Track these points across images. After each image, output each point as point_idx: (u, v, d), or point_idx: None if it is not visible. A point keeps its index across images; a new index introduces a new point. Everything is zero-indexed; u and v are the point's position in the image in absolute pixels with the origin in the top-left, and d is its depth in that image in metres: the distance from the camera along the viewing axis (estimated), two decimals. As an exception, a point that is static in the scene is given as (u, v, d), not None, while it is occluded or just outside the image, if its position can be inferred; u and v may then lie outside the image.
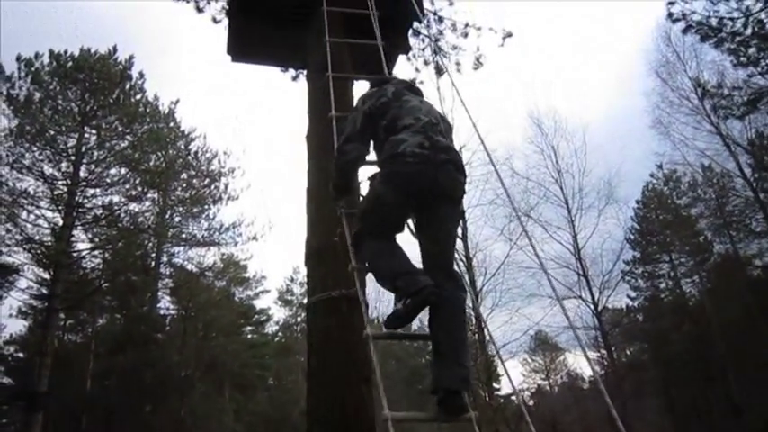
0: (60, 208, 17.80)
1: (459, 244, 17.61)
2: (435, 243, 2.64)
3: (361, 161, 2.97)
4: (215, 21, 8.34)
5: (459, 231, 17.71)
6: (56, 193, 17.79)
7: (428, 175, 2.47)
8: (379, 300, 24.27)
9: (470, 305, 18.17)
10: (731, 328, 21.97)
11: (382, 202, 2.63)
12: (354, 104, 3.12)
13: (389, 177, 2.59)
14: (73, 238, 18.61)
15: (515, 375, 34.94)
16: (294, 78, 8.16)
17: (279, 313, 32.58)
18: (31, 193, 17.40)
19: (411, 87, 3.08)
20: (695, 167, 25.03)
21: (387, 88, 2.96)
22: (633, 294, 28.47)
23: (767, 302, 20.48)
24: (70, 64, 18.15)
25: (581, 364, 36.67)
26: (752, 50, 13.12)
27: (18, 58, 17.35)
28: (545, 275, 18.16)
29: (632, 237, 27.31)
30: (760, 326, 20.42)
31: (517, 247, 18.09)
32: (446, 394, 2.31)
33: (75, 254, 18.69)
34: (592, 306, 19.76)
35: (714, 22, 12.52)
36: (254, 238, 20.26)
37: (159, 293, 23.73)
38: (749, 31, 12.54)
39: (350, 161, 2.93)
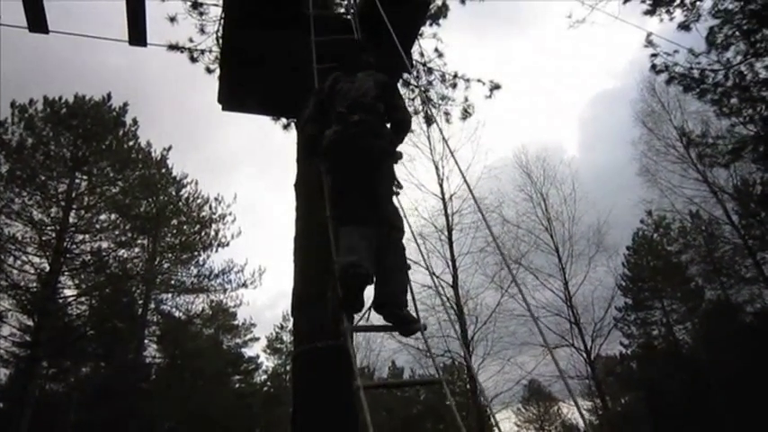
0: (48, 254, 17.62)
1: (449, 291, 17.53)
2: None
3: (318, 137, 3.37)
4: (209, 71, 8.52)
5: (450, 279, 17.66)
6: (44, 238, 17.65)
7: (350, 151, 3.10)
8: (369, 349, 23.97)
9: (461, 354, 18.01)
10: (726, 375, 21.74)
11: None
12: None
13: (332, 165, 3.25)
14: (59, 285, 18.35)
15: (509, 426, 34.18)
16: (285, 127, 8.27)
17: (268, 362, 31.98)
18: (19, 238, 17.27)
19: (354, 64, 3.65)
20: (683, 214, 25.30)
21: (329, 78, 3.54)
22: (626, 342, 28.30)
23: (760, 349, 20.34)
24: (64, 110, 18.33)
25: (576, 413, 36.01)
26: (734, 101, 13.45)
27: (12, 104, 17.53)
28: (536, 324, 18.00)
29: (624, 283, 27.30)
30: (755, 373, 20.21)
31: (508, 295, 18.02)
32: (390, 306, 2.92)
33: (60, 300, 18.39)
34: (584, 354, 19.54)
35: (696, 73, 12.86)
36: (244, 284, 20.11)
37: (145, 341, 23.25)
38: (730, 83, 12.88)
39: (309, 137, 3.50)
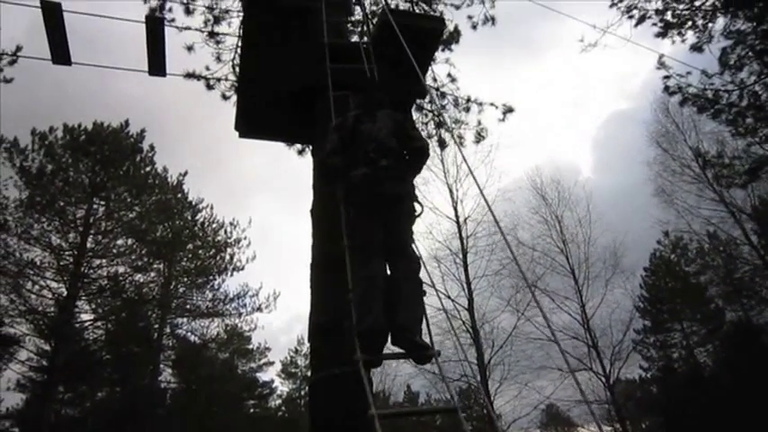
0: (65, 278, 17.81)
1: (465, 315, 17.40)
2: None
3: (341, 169, 3.51)
4: (224, 97, 8.67)
5: (465, 302, 17.53)
6: (62, 263, 17.85)
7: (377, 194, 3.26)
8: (385, 374, 23.77)
9: (475, 377, 17.78)
10: (748, 399, 21.20)
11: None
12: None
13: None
14: (76, 309, 18.50)
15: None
16: (300, 152, 8.35)
17: (282, 386, 31.78)
18: (37, 263, 17.48)
19: (372, 103, 3.74)
20: (701, 235, 24.96)
21: (350, 116, 3.66)
22: (646, 365, 27.70)
23: (784, 373, 19.84)
24: (83, 137, 18.67)
25: (596, 439, 35.21)
26: (749, 120, 13.34)
27: (33, 132, 17.90)
28: (555, 347, 17.81)
29: (642, 305, 26.87)
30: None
31: (524, 318, 17.86)
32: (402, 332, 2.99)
33: (77, 325, 18.52)
34: (603, 378, 19.21)
35: (710, 94, 12.80)
36: (259, 308, 20.14)
37: (161, 366, 23.28)
38: (745, 103, 12.79)
39: (331, 168, 3.58)
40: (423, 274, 3.39)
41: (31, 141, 17.80)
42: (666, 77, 12.67)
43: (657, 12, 12.19)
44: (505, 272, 17.87)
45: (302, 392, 29.89)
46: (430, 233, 18.43)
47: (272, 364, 29.61)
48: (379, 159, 3.33)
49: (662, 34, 12.30)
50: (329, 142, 3.71)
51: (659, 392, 27.92)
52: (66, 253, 18.02)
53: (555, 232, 21.61)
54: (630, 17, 12.02)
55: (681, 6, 12.29)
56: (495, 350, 17.72)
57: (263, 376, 29.59)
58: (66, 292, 17.60)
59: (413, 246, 3.46)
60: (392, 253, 3.31)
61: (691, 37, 12.30)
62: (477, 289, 18.05)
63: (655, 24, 12.23)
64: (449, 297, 17.25)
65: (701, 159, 20.21)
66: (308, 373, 4.77)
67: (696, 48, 12.22)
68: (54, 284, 17.85)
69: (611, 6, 12.04)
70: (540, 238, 21.57)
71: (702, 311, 26.02)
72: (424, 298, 3.32)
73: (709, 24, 12.34)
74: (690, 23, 12.30)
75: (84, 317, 19.08)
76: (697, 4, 12.28)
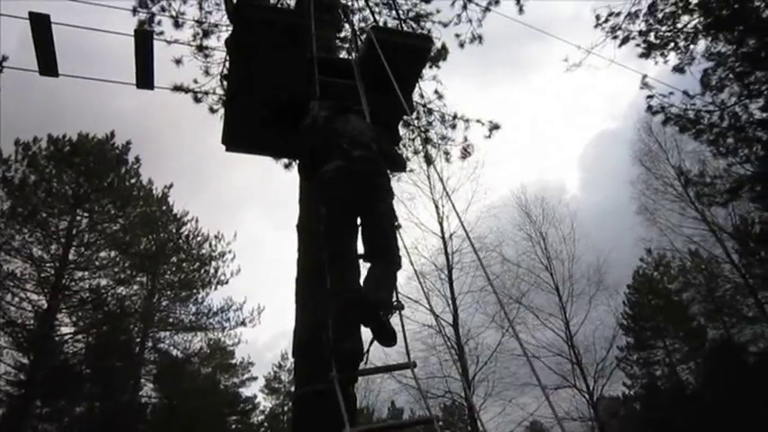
0: (46, 290, 17.55)
1: (449, 331, 17.40)
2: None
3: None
4: (212, 110, 8.68)
5: (450, 318, 17.55)
6: (43, 275, 17.60)
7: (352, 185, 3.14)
8: (368, 390, 23.62)
9: (462, 394, 17.75)
10: (730, 416, 21.34)
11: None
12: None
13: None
14: (56, 322, 18.21)
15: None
16: (287, 166, 8.36)
17: (266, 402, 31.40)
18: (18, 274, 17.23)
19: (342, 106, 3.71)
20: (683, 253, 25.28)
21: (320, 115, 3.60)
22: (629, 382, 27.82)
23: (765, 389, 20.02)
24: (67, 148, 18.52)
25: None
26: (730, 141, 13.60)
27: (16, 142, 17.72)
28: (539, 363, 17.84)
29: (625, 322, 27.05)
30: (760, 414, 19.85)
31: (509, 335, 17.88)
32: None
33: (57, 338, 18.22)
34: (587, 395, 19.25)
35: (692, 114, 13.05)
36: (243, 323, 19.97)
37: (142, 380, 22.92)
38: (726, 123, 13.05)
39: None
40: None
41: (15, 151, 17.65)
42: (650, 97, 12.92)
43: (641, 33, 12.44)
44: (490, 288, 17.91)
45: (285, 408, 29.56)
46: (416, 248, 18.45)
47: (255, 379, 29.26)
48: (354, 150, 3.21)
49: (645, 55, 12.54)
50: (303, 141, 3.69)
51: (642, 410, 28.01)
52: (48, 265, 17.79)
53: (539, 249, 21.80)
54: (615, 38, 12.25)
55: (663, 28, 12.56)
56: (480, 366, 17.72)
57: (246, 392, 29.19)
58: (46, 305, 17.34)
59: (395, 246, 3.28)
60: (374, 256, 3.19)
61: (673, 58, 12.58)
62: (462, 305, 18.10)
63: (638, 45, 12.48)
64: (433, 313, 17.23)
65: (683, 178, 20.55)
66: (292, 389, 4.74)
67: (678, 69, 12.50)
68: (34, 296, 17.62)
69: (595, 26, 12.26)
70: (524, 254, 21.73)
71: (685, 329, 26.25)
72: (404, 312, 3.27)
73: (691, 46, 12.64)
74: (672, 45, 12.57)
75: (65, 330, 18.82)
76: (679, 26, 12.56)
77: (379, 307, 2.98)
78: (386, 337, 3.00)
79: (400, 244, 3.43)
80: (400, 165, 3.73)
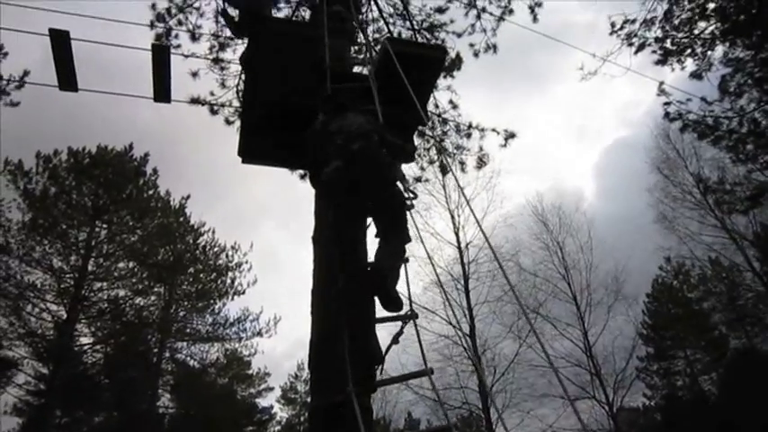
0: (66, 301, 17.75)
1: (467, 342, 17.27)
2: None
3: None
4: (228, 122, 8.76)
5: (467, 328, 17.41)
6: (62, 286, 17.81)
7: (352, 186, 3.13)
8: (385, 400, 23.51)
9: (479, 406, 17.57)
10: (754, 427, 20.90)
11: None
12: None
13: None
14: (75, 332, 18.40)
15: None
16: (302, 177, 8.39)
17: (282, 412, 31.37)
18: (38, 285, 17.46)
19: (336, 104, 3.70)
20: (703, 261, 24.90)
21: (316, 122, 3.65)
22: (649, 393, 27.38)
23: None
24: (87, 160, 18.79)
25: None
26: (749, 147, 13.37)
27: (37, 155, 18.02)
28: (556, 375, 17.58)
29: (645, 332, 26.66)
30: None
31: (527, 345, 17.71)
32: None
33: (76, 348, 18.41)
34: (606, 407, 18.97)
35: (710, 121, 12.86)
36: (260, 333, 20.02)
37: (159, 390, 23.04)
38: (745, 130, 12.85)
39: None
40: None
41: (36, 164, 17.95)
42: (667, 104, 12.74)
43: (657, 39, 12.31)
44: (507, 298, 17.77)
45: (302, 419, 29.50)
46: (432, 258, 18.41)
47: (271, 389, 29.27)
48: (351, 144, 3.19)
49: (662, 62, 12.41)
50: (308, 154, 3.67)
51: (663, 421, 27.53)
52: (67, 276, 18.00)
53: (557, 258, 21.57)
54: (630, 45, 12.15)
55: (680, 35, 12.43)
56: (497, 377, 17.56)
57: (263, 402, 29.19)
58: (65, 315, 17.53)
59: (404, 223, 3.31)
60: (384, 232, 3.25)
61: (690, 64, 12.43)
62: (478, 315, 17.96)
63: (654, 52, 12.35)
64: (450, 323, 17.13)
65: (702, 185, 20.26)
66: (308, 400, 4.75)
67: (696, 75, 12.34)
68: (54, 307, 17.81)
69: (610, 34, 12.19)
70: (541, 264, 21.52)
71: (706, 338, 25.80)
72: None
73: (709, 52, 12.46)
74: (689, 51, 12.43)
75: (84, 340, 19.00)
76: (696, 32, 12.43)
77: (385, 273, 3.04)
78: (391, 302, 3.06)
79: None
80: (407, 154, 3.74)
